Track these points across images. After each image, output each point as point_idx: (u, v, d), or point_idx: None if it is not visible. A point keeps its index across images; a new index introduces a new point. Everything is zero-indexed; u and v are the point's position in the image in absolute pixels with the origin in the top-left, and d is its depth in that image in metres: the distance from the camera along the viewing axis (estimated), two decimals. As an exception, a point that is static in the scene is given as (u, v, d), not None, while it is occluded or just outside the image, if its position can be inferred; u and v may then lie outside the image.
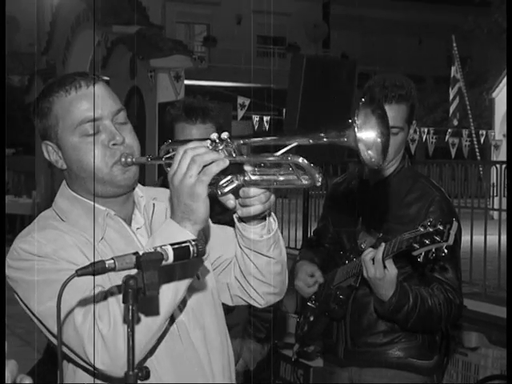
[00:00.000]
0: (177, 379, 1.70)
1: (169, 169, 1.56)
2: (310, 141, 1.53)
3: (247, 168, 1.57)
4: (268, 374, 3.73)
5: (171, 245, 1.41)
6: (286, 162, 1.53)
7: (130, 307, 1.34)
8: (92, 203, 1.74)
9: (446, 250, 2.23)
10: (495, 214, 6.63)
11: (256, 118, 14.55)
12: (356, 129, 1.41)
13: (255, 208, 1.63)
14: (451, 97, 14.06)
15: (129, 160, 1.70)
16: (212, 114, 2.85)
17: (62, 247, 1.64)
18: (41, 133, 1.77)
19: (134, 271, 1.38)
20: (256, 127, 14.79)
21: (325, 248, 2.95)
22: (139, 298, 1.35)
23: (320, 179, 1.53)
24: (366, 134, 1.45)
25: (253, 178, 1.58)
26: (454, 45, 13.58)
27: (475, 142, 13.69)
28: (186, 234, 1.51)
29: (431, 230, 2.23)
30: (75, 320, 1.57)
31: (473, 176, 6.24)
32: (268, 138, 1.58)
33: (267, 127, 14.47)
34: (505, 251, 5.46)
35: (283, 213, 8.21)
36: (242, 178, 1.58)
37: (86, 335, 1.55)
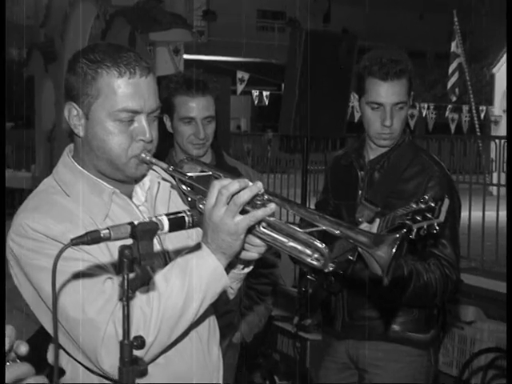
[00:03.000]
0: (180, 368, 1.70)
1: (184, 186, 1.58)
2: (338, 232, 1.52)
3: (269, 219, 1.55)
4: (265, 347, 3.75)
5: (166, 215, 1.42)
6: (308, 240, 1.52)
7: (125, 276, 1.34)
8: (97, 180, 1.73)
9: (437, 227, 2.22)
10: (494, 190, 6.61)
11: (256, 93, 14.51)
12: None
13: (251, 255, 1.63)
14: (450, 72, 13.98)
15: (148, 159, 1.70)
16: (211, 87, 2.86)
17: (70, 230, 1.61)
18: (71, 92, 1.71)
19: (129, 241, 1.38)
20: (256, 102, 14.76)
21: None
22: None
23: (331, 268, 1.52)
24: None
25: (264, 230, 1.56)
26: (455, 20, 13.47)
27: (475, 118, 13.64)
28: (217, 264, 1.55)
29: (423, 206, 2.23)
30: (97, 318, 1.56)
31: (472, 151, 6.22)
32: (302, 211, 1.58)
33: (267, 102, 14.44)
34: (503, 227, 5.48)
35: (282, 188, 8.21)
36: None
37: (102, 335, 1.55)
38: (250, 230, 1.54)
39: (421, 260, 2.61)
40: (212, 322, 1.84)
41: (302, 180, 5.55)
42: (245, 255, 1.62)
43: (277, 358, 3.83)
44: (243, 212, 1.51)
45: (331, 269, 1.52)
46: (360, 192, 2.76)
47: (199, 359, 1.75)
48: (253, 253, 1.61)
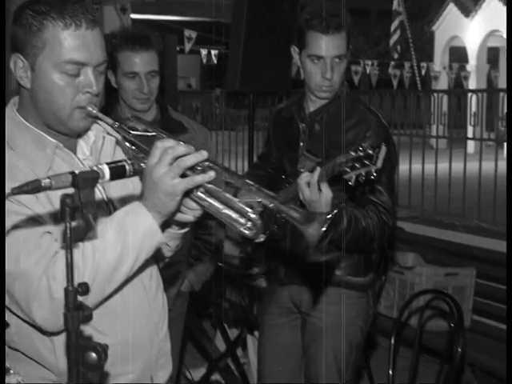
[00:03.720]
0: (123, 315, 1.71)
1: (128, 144, 1.54)
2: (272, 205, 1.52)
3: (207, 186, 1.55)
4: (213, 294, 3.79)
5: (107, 164, 1.41)
6: (242, 209, 1.52)
7: (68, 225, 1.33)
8: (41, 133, 1.70)
9: (375, 174, 2.26)
10: (434, 144, 6.71)
11: (204, 52, 14.37)
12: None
13: (186, 217, 1.63)
14: (392, 29, 14.06)
15: (94, 112, 1.66)
16: (154, 42, 2.84)
17: (13, 182, 1.58)
18: (16, 44, 1.67)
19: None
20: (204, 61, 14.62)
21: (267, 173, 2.98)
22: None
23: (262, 239, 1.53)
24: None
25: (201, 195, 1.56)
26: (397, -23, 13.49)
27: (416, 74, 13.77)
28: (152, 221, 1.54)
29: (361, 154, 2.26)
30: (31, 272, 1.55)
31: (412, 106, 6.29)
32: (240, 181, 1.58)
33: (215, 61, 14.32)
34: (442, 178, 5.59)
35: (230, 145, 8.20)
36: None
37: (35, 288, 1.54)
38: (188, 194, 1.55)
39: (359, 207, 2.65)
40: (155, 271, 1.84)
41: (249, 135, 5.56)
42: (181, 217, 1.63)
43: (226, 307, 3.87)
44: (182, 176, 1.51)
45: (262, 239, 1.54)
46: (301, 143, 2.78)
47: (144, 307, 1.75)
48: (189, 216, 1.62)
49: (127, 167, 1.43)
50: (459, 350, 3.05)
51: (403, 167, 5.87)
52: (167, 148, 1.49)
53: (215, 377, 4.33)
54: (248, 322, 3.72)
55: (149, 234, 1.55)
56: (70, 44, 1.63)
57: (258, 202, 1.53)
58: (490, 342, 4.27)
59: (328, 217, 1.46)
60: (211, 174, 1.50)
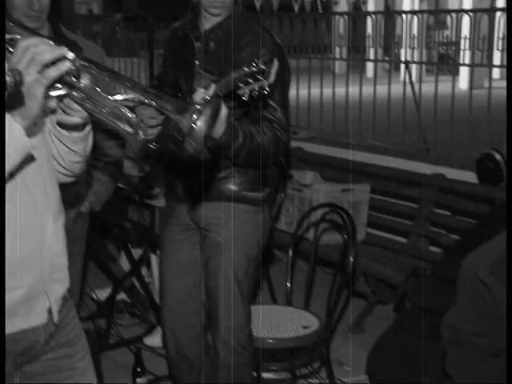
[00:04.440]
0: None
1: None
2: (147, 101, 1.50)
3: (84, 82, 1.52)
4: (115, 215, 3.78)
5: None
6: (119, 111, 1.51)
7: None
8: None
9: (268, 88, 2.28)
10: (337, 67, 6.75)
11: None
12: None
13: (72, 119, 1.61)
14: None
15: None
16: None
17: None
18: None
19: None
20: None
21: (165, 93, 2.95)
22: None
23: (142, 136, 1.55)
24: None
25: (77, 95, 1.53)
26: None
27: (318, -1, 13.74)
28: (13, 123, 1.48)
29: (254, 69, 2.27)
30: None
31: (311, 28, 6.28)
32: (114, 77, 1.54)
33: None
34: (339, 101, 5.67)
35: (133, 72, 8.02)
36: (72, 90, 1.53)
37: None
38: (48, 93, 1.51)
39: (254, 123, 2.68)
40: (51, 189, 1.79)
41: (150, 59, 5.47)
42: (66, 120, 1.62)
43: (128, 227, 3.88)
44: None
45: (143, 136, 1.55)
46: (197, 62, 2.76)
47: (34, 223, 1.71)
48: (74, 117, 1.61)
49: (8, 79, 1.38)
50: (351, 259, 3.17)
51: (303, 91, 5.94)
52: (29, 46, 1.45)
53: (121, 296, 4.36)
54: (151, 240, 3.74)
55: (13, 138, 1.48)
56: None
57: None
58: (382, 252, 4.46)
59: (198, 108, 1.47)
60: (66, 64, 1.46)
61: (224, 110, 2.49)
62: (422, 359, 3.37)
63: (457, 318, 2.21)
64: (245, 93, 2.38)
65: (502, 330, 2.07)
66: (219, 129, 2.53)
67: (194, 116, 1.48)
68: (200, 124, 1.45)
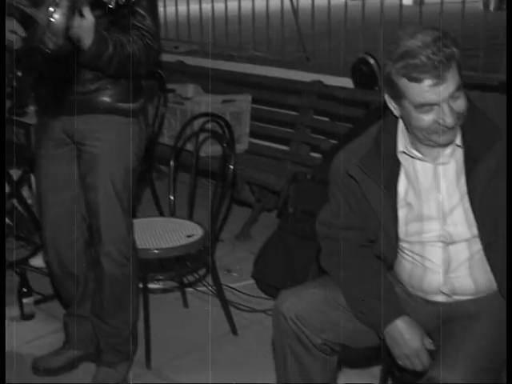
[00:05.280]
0: None
1: None
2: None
3: None
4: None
5: None
6: None
7: None
8: None
9: None
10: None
11: None
12: None
13: None
14: None
15: None
16: None
17: None
18: None
19: None
20: None
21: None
22: None
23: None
24: None
25: None
26: None
27: None
28: None
29: None
30: None
31: None
32: None
33: None
34: (219, 16, 5.56)
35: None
36: None
37: None
38: None
39: (123, 32, 2.59)
40: None
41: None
42: None
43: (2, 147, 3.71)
44: None
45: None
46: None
47: None
48: None
49: None
50: (231, 167, 3.19)
51: (182, 7, 5.80)
52: None
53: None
54: (28, 159, 3.61)
55: None
56: None
57: None
58: (265, 161, 4.52)
59: (56, 1, 1.41)
60: None
61: (90, 19, 2.40)
62: (303, 259, 3.48)
63: (330, 214, 2.27)
64: (111, 0, 2.31)
65: (373, 223, 2.15)
66: (87, 39, 2.44)
67: (51, 9, 1.41)
68: (58, 16, 1.39)
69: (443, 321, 2.12)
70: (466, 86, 1.93)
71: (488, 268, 2.05)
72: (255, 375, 2.97)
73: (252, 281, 3.79)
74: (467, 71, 3.85)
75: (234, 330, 3.34)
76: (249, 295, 3.67)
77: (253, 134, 4.74)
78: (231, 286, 3.73)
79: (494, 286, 2.08)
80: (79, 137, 2.77)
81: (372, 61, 4.06)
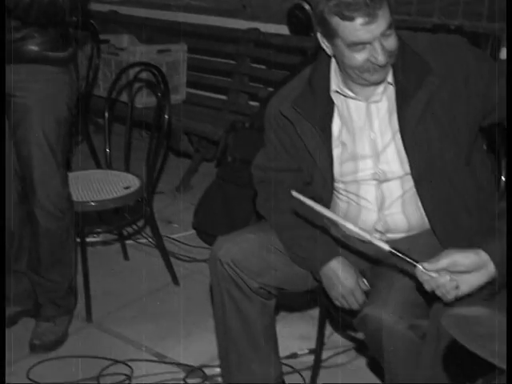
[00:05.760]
0: None
1: None
2: None
3: None
4: None
5: None
6: None
7: None
8: None
9: None
10: None
11: None
12: None
13: None
14: None
15: None
16: None
17: None
18: None
19: None
20: None
21: None
22: None
23: None
24: None
25: None
26: None
27: None
28: None
29: None
30: None
31: None
32: None
33: None
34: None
35: None
36: None
37: None
38: None
39: None
40: None
41: None
42: None
43: None
44: None
45: None
46: None
47: None
48: None
49: None
50: (166, 117, 3.14)
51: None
52: None
53: None
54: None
55: None
56: None
57: None
58: (204, 111, 4.48)
59: None
60: None
61: None
62: (243, 208, 3.48)
63: (265, 158, 2.26)
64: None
65: (308, 164, 2.14)
66: None
67: None
68: None
69: (377, 260, 2.15)
70: (399, 28, 1.92)
71: (420, 205, 2.08)
72: (197, 324, 2.98)
73: (193, 231, 3.79)
74: (401, 15, 3.87)
75: (175, 281, 3.34)
76: (190, 245, 3.66)
77: (190, 84, 4.68)
78: (172, 236, 3.72)
79: (426, 223, 2.11)
80: (8, 87, 2.67)
81: (307, 6, 4.03)
